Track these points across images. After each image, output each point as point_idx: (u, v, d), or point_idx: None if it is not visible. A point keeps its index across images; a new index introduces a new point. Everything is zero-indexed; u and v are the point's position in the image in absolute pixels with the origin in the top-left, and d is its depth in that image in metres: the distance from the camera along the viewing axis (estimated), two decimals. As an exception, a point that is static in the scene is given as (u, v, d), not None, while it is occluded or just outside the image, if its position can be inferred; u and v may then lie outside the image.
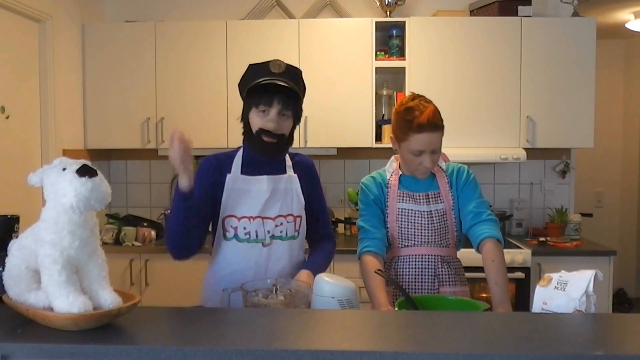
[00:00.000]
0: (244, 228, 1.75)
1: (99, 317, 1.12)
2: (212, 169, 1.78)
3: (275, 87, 1.68)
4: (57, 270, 1.10)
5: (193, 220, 1.67)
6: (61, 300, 1.09)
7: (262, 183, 1.77)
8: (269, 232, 1.77)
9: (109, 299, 1.16)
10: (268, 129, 1.70)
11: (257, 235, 1.76)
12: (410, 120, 1.75)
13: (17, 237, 1.25)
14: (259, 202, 1.76)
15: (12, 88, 2.92)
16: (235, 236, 1.76)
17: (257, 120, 1.71)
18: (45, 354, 1.05)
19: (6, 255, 1.21)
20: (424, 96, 1.83)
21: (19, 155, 2.98)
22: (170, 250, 1.72)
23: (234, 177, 1.77)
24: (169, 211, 1.71)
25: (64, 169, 1.13)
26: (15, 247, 1.20)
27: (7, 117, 2.86)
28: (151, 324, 1.20)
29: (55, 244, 1.11)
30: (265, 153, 1.75)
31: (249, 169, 1.79)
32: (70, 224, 1.13)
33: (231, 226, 1.76)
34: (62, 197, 1.11)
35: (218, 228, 1.78)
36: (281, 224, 1.78)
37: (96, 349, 1.05)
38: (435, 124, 1.75)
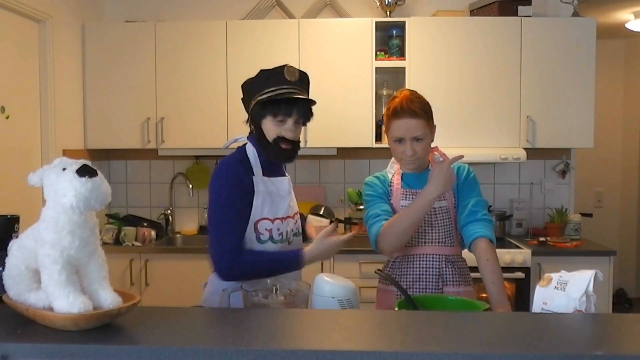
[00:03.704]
0: (278, 229, 1.78)
1: (99, 317, 1.12)
2: (242, 173, 1.74)
3: (294, 98, 1.70)
4: (57, 270, 1.10)
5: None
6: (61, 300, 1.09)
7: (284, 184, 1.83)
8: (292, 230, 1.84)
9: (109, 299, 1.16)
10: (287, 137, 1.73)
11: (286, 235, 1.81)
12: (389, 107, 1.81)
13: (17, 237, 1.25)
14: (286, 203, 1.81)
15: (12, 88, 2.92)
16: (271, 238, 1.77)
17: (274, 129, 1.73)
18: (45, 354, 1.05)
19: (6, 255, 1.21)
20: (415, 91, 1.86)
21: (19, 155, 2.98)
22: (236, 276, 1.70)
23: (261, 180, 1.77)
24: (268, 260, 1.72)
25: (64, 169, 1.13)
26: (15, 247, 1.20)
27: (7, 117, 2.86)
28: (151, 324, 1.20)
29: (55, 244, 1.11)
30: (282, 159, 1.79)
31: (267, 170, 1.80)
32: (70, 224, 1.13)
33: (265, 229, 1.76)
34: (62, 197, 1.11)
35: (248, 232, 1.75)
36: (297, 221, 1.88)
37: (96, 349, 1.05)
38: (410, 110, 1.76)
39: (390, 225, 1.76)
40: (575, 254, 3.19)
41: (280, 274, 1.70)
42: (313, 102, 1.76)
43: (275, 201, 1.78)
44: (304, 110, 1.73)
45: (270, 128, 1.73)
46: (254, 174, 1.76)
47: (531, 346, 1.05)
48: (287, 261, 1.72)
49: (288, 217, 1.82)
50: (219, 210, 1.70)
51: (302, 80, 1.76)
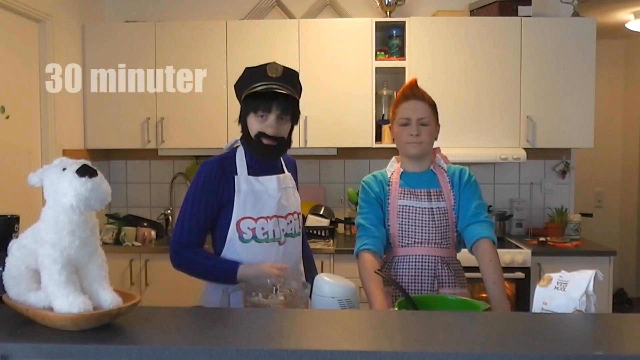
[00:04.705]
0: (262, 228, 1.77)
1: (99, 317, 1.12)
2: (218, 174, 1.76)
3: (273, 93, 1.70)
4: (57, 270, 1.10)
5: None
6: (61, 300, 1.09)
7: (273, 182, 1.81)
8: (283, 230, 1.81)
9: (109, 299, 1.16)
10: (267, 133, 1.72)
11: (274, 235, 1.79)
12: (398, 94, 1.92)
13: (17, 237, 1.24)
14: (274, 202, 1.79)
15: (12, 88, 2.92)
16: (254, 237, 1.77)
17: (256, 125, 1.74)
18: (45, 354, 1.05)
19: (6, 255, 1.20)
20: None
21: (19, 155, 2.98)
22: (177, 267, 1.82)
23: (244, 179, 1.78)
24: (205, 264, 1.78)
25: (64, 169, 1.13)
26: (15, 247, 1.20)
27: (7, 117, 2.86)
28: (151, 324, 1.20)
29: (55, 244, 1.11)
30: (265, 156, 1.78)
31: (254, 169, 1.80)
32: (70, 224, 1.12)
33: (248, 228, 1.76)
34: (62, 197, 1.11)
35: (231, 231, 1.77)
36: (291, 221, 1.84)
37: (96, 349, 1.05)
38: (419, 94, 1.87)
39: (361, 272, 1.76)
40: (575, 254, 3.19)
41: (219, 281, 1.77)
42: (293, 98, 1.75)
43: (261, 200, 1.78)
44: (284, 105, 1.72)
45: (253, 124, 1.74)
46: (236, 174, 1.77)
47: (531, 346, 1.05)
48: (224, 271, 1.73)
49: (276, 216, 1.79)
50: (185, 204, 1.78)
51: (287, 76, 1.75)
